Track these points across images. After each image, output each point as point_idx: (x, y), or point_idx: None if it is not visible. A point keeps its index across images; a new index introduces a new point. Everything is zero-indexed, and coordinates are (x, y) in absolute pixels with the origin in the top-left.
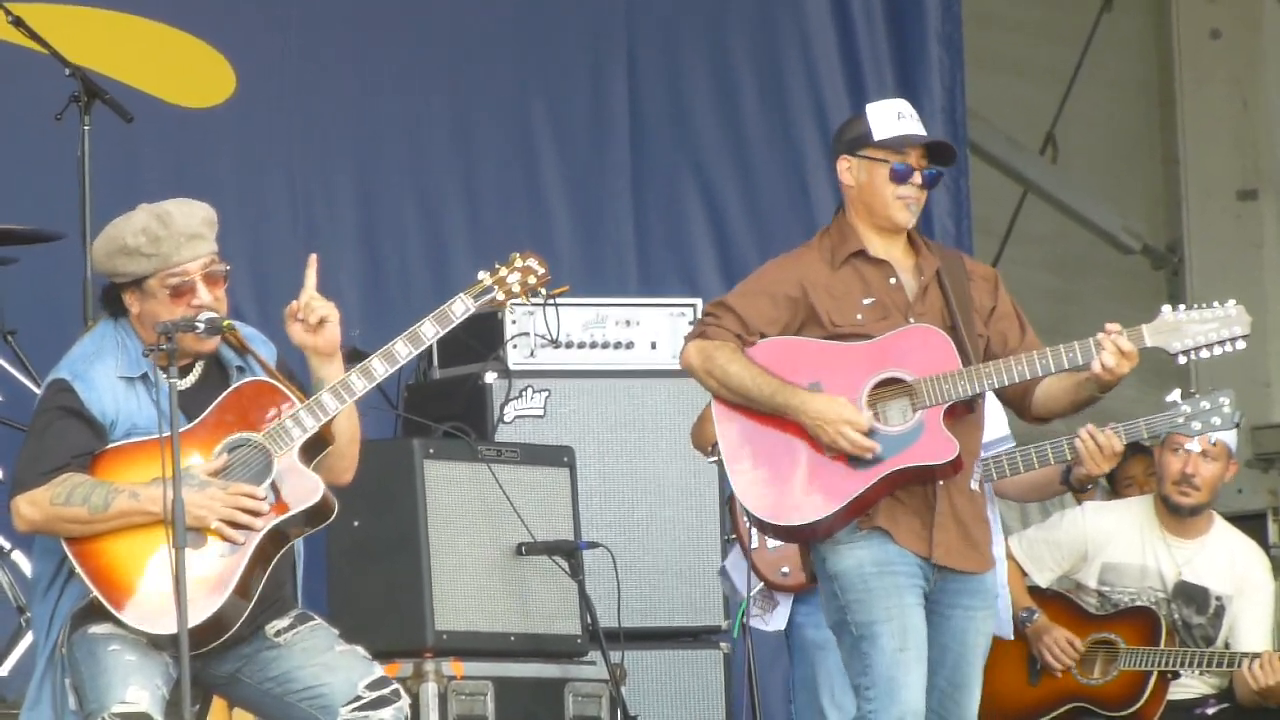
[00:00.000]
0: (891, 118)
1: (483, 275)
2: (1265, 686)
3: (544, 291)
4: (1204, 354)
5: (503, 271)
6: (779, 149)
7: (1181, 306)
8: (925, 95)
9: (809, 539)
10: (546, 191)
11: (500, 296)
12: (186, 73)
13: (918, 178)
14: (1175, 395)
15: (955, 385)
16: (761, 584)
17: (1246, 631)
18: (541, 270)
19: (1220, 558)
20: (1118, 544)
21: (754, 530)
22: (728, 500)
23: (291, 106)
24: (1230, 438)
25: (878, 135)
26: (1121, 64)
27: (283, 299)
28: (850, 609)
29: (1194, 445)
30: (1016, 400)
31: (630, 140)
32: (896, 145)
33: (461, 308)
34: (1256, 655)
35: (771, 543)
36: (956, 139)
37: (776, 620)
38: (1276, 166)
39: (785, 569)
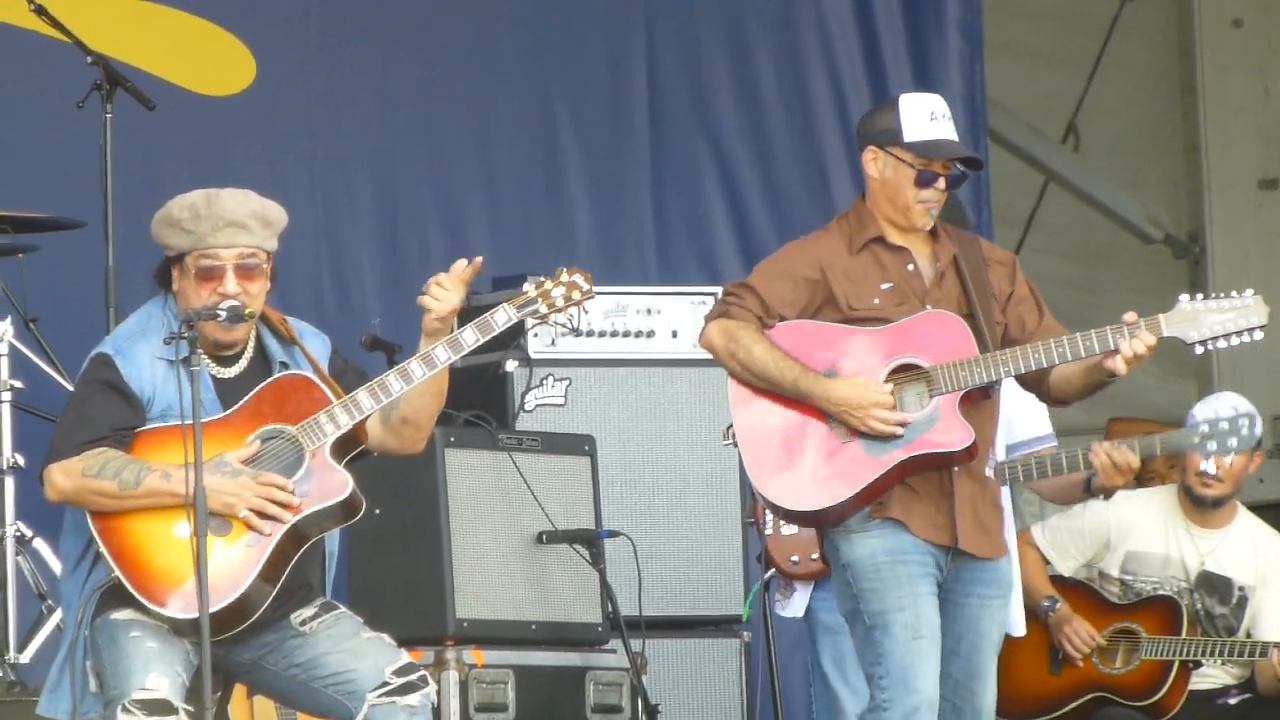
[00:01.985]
0: (924, 118)
1: (528, 287)
2: None
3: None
4: (1220, 344)
5: (548, 285)
6: (798, 137)
7: (1199, 296)
8: (944, 84)
9: (822, 524)
10: (566, 180)
11: (543, 310)
12: (207, 61)
13: (942, 183)
14: (1194, 411)
15: (972, 372)
16: (773, 570)
17: (1269, 622)
18: (586, 286)
19: (1243, 548)
20: (1141, 533)
21: (770, 516)
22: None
23: (312, 95)
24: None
25: (908, 136)
26: (1143, 53)
27: (302, 286)
28: (863, 598)
29: (1209, 466)
30: (1034, 385)
31: (650, 128)
32: (925, 151)
33: (504, 317)
34: None
35: (786, 530)
36: (976, 127)
37: (794, 607)
38: None
39: (795, 557)
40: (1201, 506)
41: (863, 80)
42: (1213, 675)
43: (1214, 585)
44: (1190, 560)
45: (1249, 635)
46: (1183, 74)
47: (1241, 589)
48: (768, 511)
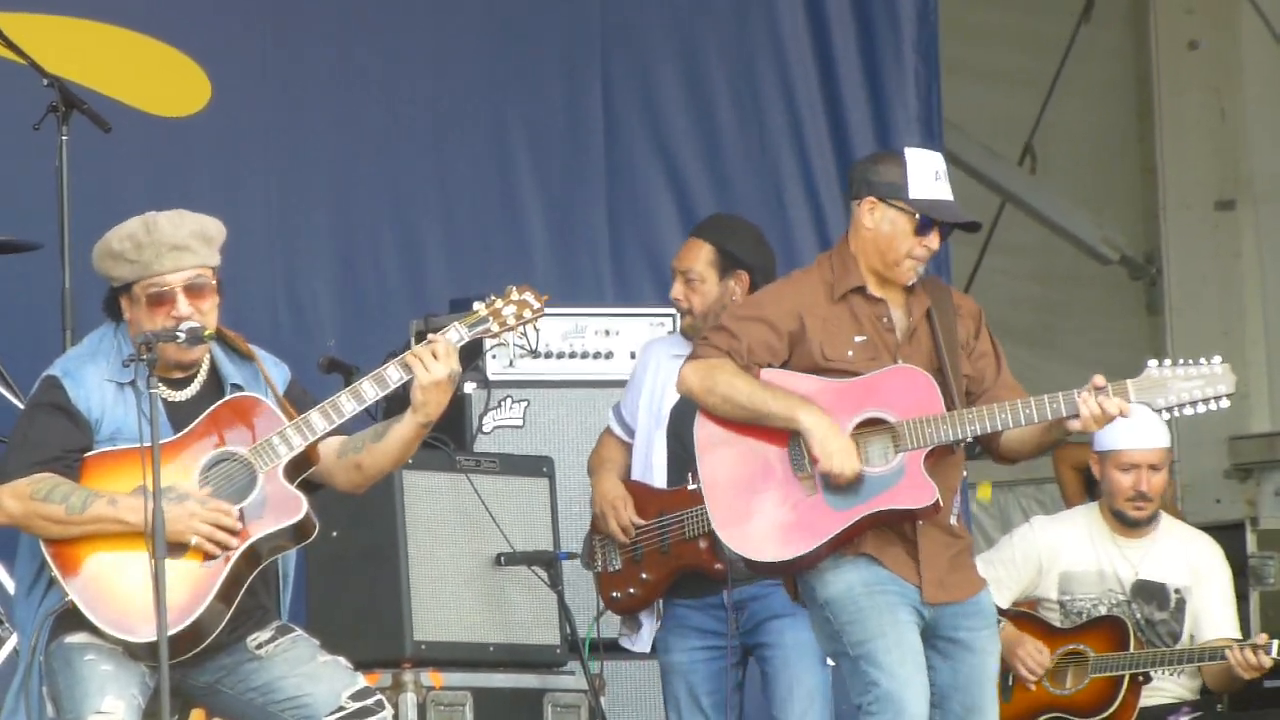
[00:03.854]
0: (930, 176)
1: (479, 306)
2: (1255, 671)
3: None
4: (1188, 411)
5: (498, 303)
6: (754, 158)
7: (1167, 362)
8: (901, 106)
9: (788, 572)
10: (522, 201)
11: (495, 328)
12: (162, 81)
13: (936, 238)
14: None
15: (938, 429)
16: (603, 605)
17: (1209, 620)
18: (537, 304)
19: (1173, 551)
20: (1071, 553)
21: (601, 554)
22: (589, 531)
23: (267, 115)
24: (1165, 437)
25: (914, 193)
26: (1100, 74)
27: (257, 308)
28: (845, 632)
29: None
30: (987, 441)
31: (605, 151)
32: (930, 210)
33: (455, 336)
34: (1243, 641)
35: (612, 567)
36: (932, 149)
37: (641, 641)
38: (1254, 176)
39: (616, 593)
40: (1136, 527)
41: (818, 102)
42: (1164, 689)
43: (1150, 592)
44: (1124, 572)
45: (1192, 639)
46: (1139, 95)
47: (1178, 591)
48: (598, 549)
